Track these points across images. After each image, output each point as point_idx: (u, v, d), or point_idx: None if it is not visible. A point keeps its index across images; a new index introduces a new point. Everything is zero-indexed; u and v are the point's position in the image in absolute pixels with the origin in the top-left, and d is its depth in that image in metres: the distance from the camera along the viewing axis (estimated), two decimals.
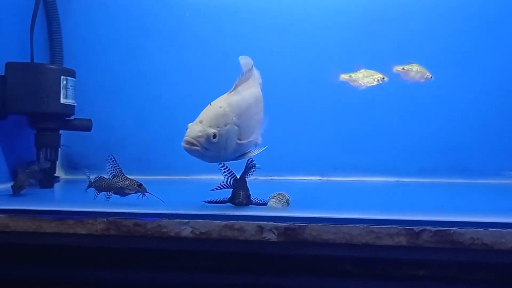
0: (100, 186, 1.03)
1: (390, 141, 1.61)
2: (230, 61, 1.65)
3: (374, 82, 1.42)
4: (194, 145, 0.94)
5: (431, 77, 1.41)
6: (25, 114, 1.40)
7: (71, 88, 1.39)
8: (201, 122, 0.97)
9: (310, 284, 0.81)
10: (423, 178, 1.58)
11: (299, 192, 1.31)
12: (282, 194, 0.97)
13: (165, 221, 0.86)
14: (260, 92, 1.12)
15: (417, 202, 1.12)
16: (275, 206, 0.93)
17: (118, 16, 1.71)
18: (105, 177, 1.04)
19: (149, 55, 1.71)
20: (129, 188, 1.01)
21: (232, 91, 1.04)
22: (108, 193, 1.02)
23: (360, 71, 1.44)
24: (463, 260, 0.76)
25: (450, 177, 1.56)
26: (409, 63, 1.41)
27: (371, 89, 1.62)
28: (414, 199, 1.17)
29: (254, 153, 1.03)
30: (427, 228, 0.77)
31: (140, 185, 1.02)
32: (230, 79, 1.68)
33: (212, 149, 0.96)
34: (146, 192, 1.01)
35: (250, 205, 0.96)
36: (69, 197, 1.12)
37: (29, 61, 1.44)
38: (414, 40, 1.63)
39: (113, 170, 1.03)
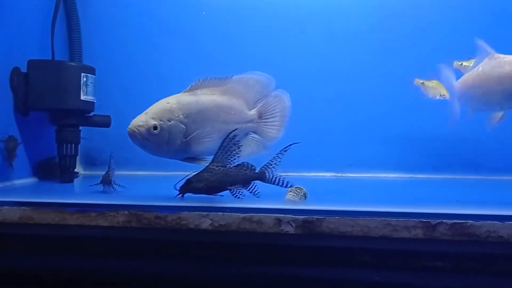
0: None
1: (404, 137, 1.62)
2: (247, 58, 1.68)
3: None
4: (135, 134, 0.99)
5: None
6: (46, 110, 1.43)
7: (91, 85, 1.42)
8: (146, 113, 1.02)
9: (328, 275, 0.82)
10: (438, 174, 1.58)
11: (315, 187, 1.33)
12: (299, 188, 0.98)
13: (185, 213, 0.88)
14: (228, 102, 1.11)
15: (432, 197, 1.13)
16: (293, 199, 0.95)
17: (136, 13, 1.73)
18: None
19: (167, 53, 1.72)
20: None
21: (187, 91, 1.07)
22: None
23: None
24: (480, 252, 0.77)
25: (465, 174, 1.56)
26: (469, 58, 1.34)
27: (385, 86, 1.63)
28: (429, 194, 1.18)
29: (205, 162, 1.05)
30: (444, 221, 0.78)
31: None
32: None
33: (153, 141, 1.00)
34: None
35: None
36: (90, 191, 1.15)
37: (50, 58, 1.47)
38: (426, 36, 1.63)
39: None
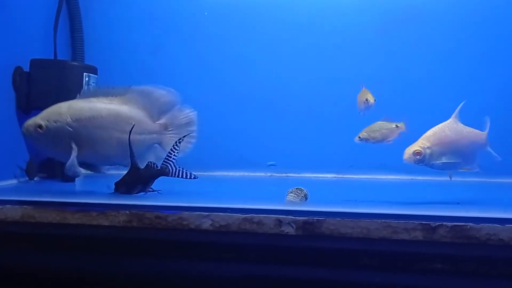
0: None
1: (405, 139, 1.61)
2: (249, 59, 1.69)
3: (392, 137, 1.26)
4: (24, 132, 1.09)
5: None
6: None
7: (93, 85, 1.43)
8: (39, 115, 1.10)
9: (328, 276, 0.82)
10: (439, 176, 1.57)
11: (316, 189, 1.33)
12: (300, 189, 0.98)
13: (186, 213, 0.88)
14: (127, 112, 1.13)
15: (433, 199, 1.13)
16: (294, 200, 0.95)
17: (139, 14, 1.74)
18: None
19: (170, 52, 1.73)
20: None
21: (80, 97, 1.12)
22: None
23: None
24: (480, 255, 0.77)
25: (466, 176, 1.56)
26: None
27: (385, 87, 1.63)
28: (430, 197, 1.18)
29: (97, 170, 1.15)
30: (444, 223, 0.78)
31: None
32: (251, 77, 1.71)
33: (41, 140, 1.08)
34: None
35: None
36: (91, 190, 1.15)
37: (53, 58, 1.47)
38: (428, 41, 1.63)
39: None
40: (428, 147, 1.03)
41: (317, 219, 0.82)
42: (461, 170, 1.09)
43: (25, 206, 0.93)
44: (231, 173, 1.69)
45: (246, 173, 1.69)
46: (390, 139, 1.24)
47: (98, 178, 1.50)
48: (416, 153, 1.03)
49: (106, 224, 0.91)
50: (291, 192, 0.97)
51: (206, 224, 0.87)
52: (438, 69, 1.64)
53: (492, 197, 1.20)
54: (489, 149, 1.12)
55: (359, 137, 1.22)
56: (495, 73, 1.61)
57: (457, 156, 1.05)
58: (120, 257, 0.91)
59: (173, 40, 1.74)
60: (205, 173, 1.71)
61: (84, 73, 1.40)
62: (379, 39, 1.65)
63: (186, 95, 1.71)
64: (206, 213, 0.87)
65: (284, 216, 0.84)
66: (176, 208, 0.89)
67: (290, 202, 0.94)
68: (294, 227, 0.84)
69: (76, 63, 1.50)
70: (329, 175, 1.64)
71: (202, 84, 1.72)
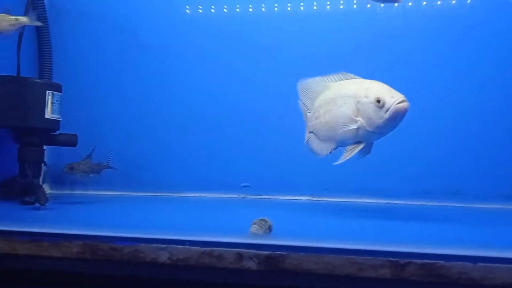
0: None
1: (382, 162, 1.58)
2: (222, 78, 1.65)
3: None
4: None
5: None
6: (8, 128, 1.38)
7: (56, 103, 1.37)
8: None
9: None
10: (415, 200, 1.54)
11: (287, 213, 1.28)
12: (264, 220, 0.93)
13: (142, 245, 0.82)
14: None
15: (406, 227, 1.09)
16: (257, 232, 0.90)
17: (109, 30, 1.70)
18: None
19: (139, 71, 1.69)
20: None
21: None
22: None
23: None
24: None
25: (443, 201, 1.53)
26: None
27: None
28: (403, 224, 1.14)
29: None
30: (413, 260, 0.74)
31: None
32: (224, 96, 1.67)
33: None
34: None
35: None
36: (48, 216, 1.08)
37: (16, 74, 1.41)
38: (414, 54, 1.61)
39: None
40: None
41: (280, 253, 0.77)
42: None
43: None
44: (203, 195, 1.64)
45: (218, 195, 1.64)
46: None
47: (60, 200, 1.44)
48: None
49: (58, 255, 0.85)
50: (255, 224, 0.92)
51: (164, 257, 0.81)
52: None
53: (467, 226, 1.16)
54: None
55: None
56: (478, 93, 1.59)
57: None
58: None
59: (143, 56, 1.70)
60: (176, 194, 1.66)
61: (47, 91, 1.34)
62: (364, 53, 1.63)
63: (155, 112, 1.68)
64: (164, 245, 0.81)
65: (245, 250, 0.79)
66: (132, 239, 0.84)
67: (253, 234, 0.89)
68: (256, 261, 0.78)
69: (38, 80, 1.44)
70: (303, 198, 1.60)
71: (172, 101, 1.68)
